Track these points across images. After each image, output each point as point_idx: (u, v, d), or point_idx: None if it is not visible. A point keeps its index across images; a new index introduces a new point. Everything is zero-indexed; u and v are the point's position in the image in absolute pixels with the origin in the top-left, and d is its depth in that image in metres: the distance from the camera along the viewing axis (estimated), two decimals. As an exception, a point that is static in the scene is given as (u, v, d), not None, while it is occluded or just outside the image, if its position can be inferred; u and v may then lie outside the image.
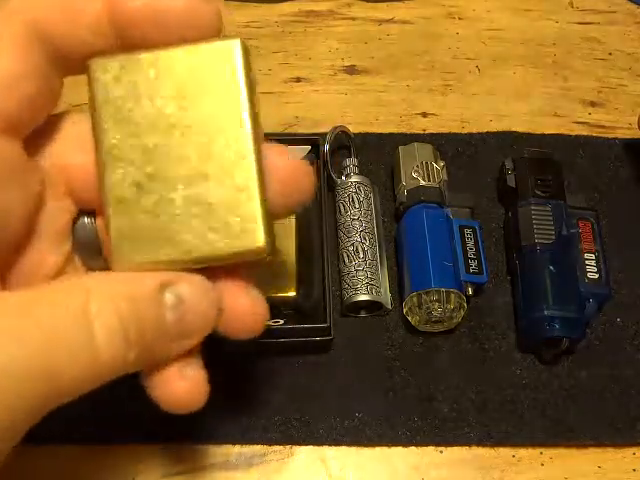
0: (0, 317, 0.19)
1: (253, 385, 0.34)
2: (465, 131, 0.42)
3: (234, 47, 0.22)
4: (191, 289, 0.22)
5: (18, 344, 0.19)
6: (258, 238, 0.21)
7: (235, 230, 0.22)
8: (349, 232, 0.36)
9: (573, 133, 0.42)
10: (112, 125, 0.22)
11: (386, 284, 0.36)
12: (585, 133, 0.42)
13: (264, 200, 0.22)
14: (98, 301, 0.20)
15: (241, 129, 0.22)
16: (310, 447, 0.33)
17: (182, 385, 0.23)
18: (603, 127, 0.43)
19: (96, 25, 0.21)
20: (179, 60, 0.22)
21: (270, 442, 0.33)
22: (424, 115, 0.43)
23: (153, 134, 0.22)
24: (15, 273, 0.23)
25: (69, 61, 0.22)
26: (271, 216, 0.22)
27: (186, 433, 0.33)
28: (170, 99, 0.22)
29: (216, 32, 0.22)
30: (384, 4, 0.47)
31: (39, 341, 0.19)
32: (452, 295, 0.34)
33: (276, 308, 0.34)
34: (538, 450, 0.34)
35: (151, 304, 0.21)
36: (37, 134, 0.22)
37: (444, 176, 0.38)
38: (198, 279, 0.22)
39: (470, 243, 0.36)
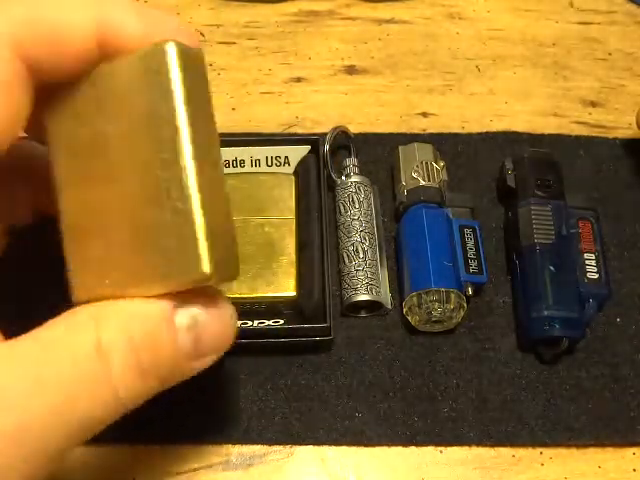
0: (16, 370, 0.19)
1: (253, 385, 0.34)
2: (465, 131, 0.42)
3: (168, 50, 0.20)
4: (205, 308, 0.21)
5: (40, 398, 0.18)
6: (201, 264, 0.20)
7: (176, 256, 0.20)
8: (349, 232, 0.36)
9: (573, 133, 0.42)
10: (65, 159, 0.21)
11: (386, 284, 0.36)
12: (585, 133, 0.42)
13: (208, 220, 0.20)
14: (108, 334, 0.20)
15: (177, 142, 0.20)
16: (310, 447, 0.33)
17: None
18: (603, 127, 0.43)
19: (84, 54, 0.21)
20: (117, 74, 0.21)
21: (270, 442, 0.33)
22: (424, 115, 0.43)
23: (95, 158, 0.21)
24: None
25: (47, 80, 0.21)
26: (222, 235, 0.20)
27: (186, 433, 0.33)
28: (109, 117, 0.21)
29: None
30: (384, 4, 0.47)
31: (59, 390, 0.19)
32: (452, 295, 0.34)
33: (276, 308, 0.35)
34: (538, 450, 0.34)
35: (164, 329, 0.20)
36: None
37: (444, 176, 0.38)
38: (212, 296, 0.22)
39: (470, 243, 0.36)
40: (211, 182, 0.20)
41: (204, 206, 0.20)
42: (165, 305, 0.21)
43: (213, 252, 0.20)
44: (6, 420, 0.18)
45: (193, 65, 0.21)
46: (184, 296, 0.21)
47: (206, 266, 0.19)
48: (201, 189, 0.20)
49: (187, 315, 0.21)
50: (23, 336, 0.20)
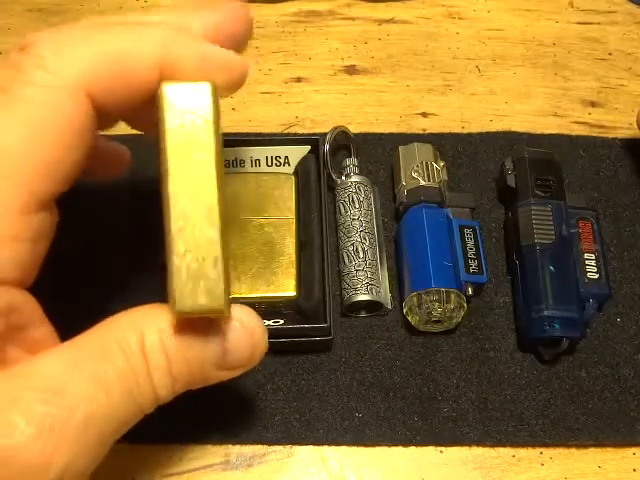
0: (79, 372, 0.21)
1: (253, 385, 0.34)
2: (465, 131, 0.42)
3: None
4: (234, 327, 0.23)
5: (105, 392, 0.21)
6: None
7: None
8: (349, 232, 0.36)
9: (573, 133, 0.42)
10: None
11: (386, 284, 0.36)
12: (585, 133, 0.42)
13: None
14: (151, 340, 0.21)
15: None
16: (310, 447, 0.33)
17: None
18: (603, 127, 0.43)
19: (147, 87, 0.22)
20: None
21: (270, 442, 0.33)
22: (424, 115, 0.43)
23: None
24: None
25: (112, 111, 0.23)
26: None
27: (186, 433, 0.33)
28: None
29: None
30: (384, 4, 0.47)
31: (119, 385, 0.21)
32: (452, 295, 0.34)
33: (276, 308, 0.35)
34: (538, 450, 0.34)
35: (196, 344, 0.22)
36: None
37: (444, 176, 0.38)
38: (244, 316, 0.23)
39: (470, 243, 0.36)
40: (196, 213, 0.21)
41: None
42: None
43: (184, 287, 0.21)
44: (75, 414, 0.20)
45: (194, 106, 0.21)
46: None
47: (176, 301, 0.21)
48: (180, 218, 0.21)
49: (217, 330, 0.23)
50: (81, 336, 0.22)
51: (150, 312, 0.22)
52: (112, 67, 0.21)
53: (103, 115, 0.23)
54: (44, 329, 0.23)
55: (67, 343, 0.22)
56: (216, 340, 0.23)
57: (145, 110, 0.23)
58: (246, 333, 0.23)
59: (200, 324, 0.22)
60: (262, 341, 0.24)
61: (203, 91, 0.21)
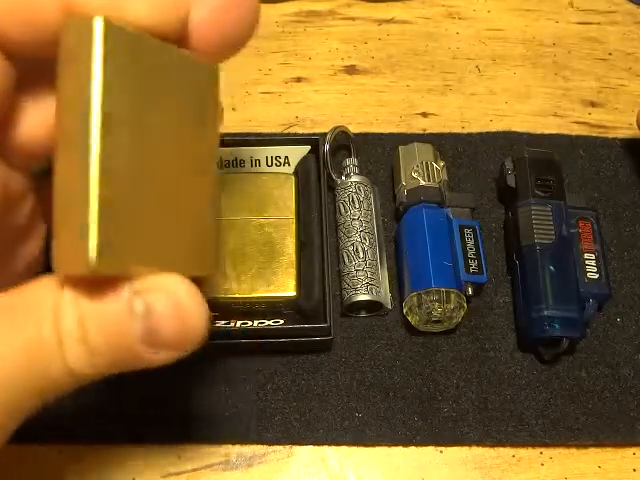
0: None
1: (253, 385, 0.34)
2: (465, 131, 0.42)
3: (93, 24, 0.18)
4: (163, 298, 0.20)
5: (7, 349, 0.19)
6: (88, 253, 0.18)
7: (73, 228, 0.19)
8: (349, 232, 0.36)
9: (573, 133, 0.42)
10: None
11: (386, 284, 0.36)
12: (585, 133, 0.42)
13: (104, 193, 0.18)
14: (65, 307, 0.20)
15: (88, 135, 0.19)
16: (310, 447, 0.33)
17: None
18: (603, 127, 0.43)
19: (52, 25, 0.20)
20: (62, 41, 0.20)
21: (270, 442, 0.33)
22: (424, 115, 0.43)
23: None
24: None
25: (24, 55, 0.21)
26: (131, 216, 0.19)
27: (186, 433, 0.33)
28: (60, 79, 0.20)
29: None
30: (384, 4, 0.47)
31: (16, 347, 0.19)
32: (452, 295, 0.34)
33: (276, 308, 0.35)
34: (538, 450, 0.34)
35: (118, 313, 0.20)
36: None
37: (444, 176, 0.38)
38: (176, 289, 0.20)
39: (470, 243, 0.36)
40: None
41: (101, 186, 0.18)
42: (122, 291, 0.20)
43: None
44: None
45: (129, 46, 0.19)
46: (142, 284, 0.20)
47: (91, 253, 0.18)
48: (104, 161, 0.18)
49: (142, 302, 0.20)
50: (6, 293, 0.20)
51: (71, 277, 0.20)
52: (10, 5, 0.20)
53: (21, 66, 0.21)
54: None
55: None
56: (141, 312, 0.20)
57: None
58: (172, 308, 0.20)
59: (120, 290, 0.20)
60: (198, 320, 0.21)
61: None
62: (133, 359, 0.21)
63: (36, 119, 0.23)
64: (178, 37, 0.21)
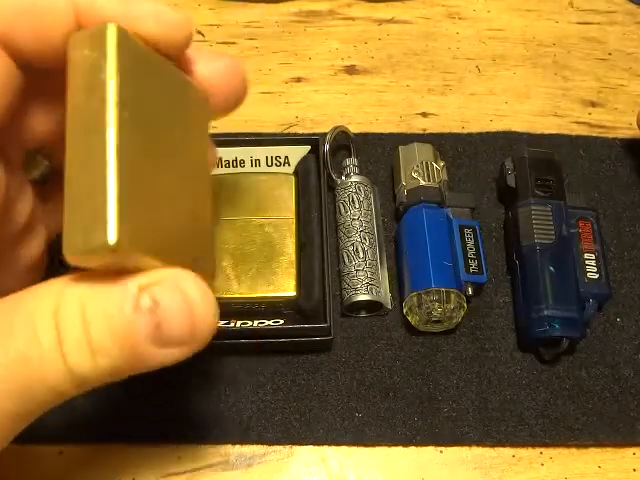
0: None
1: (253, 385, 0.34)
2: (465, 131, 0.42)
3: (107, 31, 0.20)
4: (171, 292, 0.20)
5: (2, 359, 0.19)
6: (107, 233, 0.18)
7: (89, 222, 0.19)
8: (349, 232, 0.36)
9: (573, 133, 0.42)
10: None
11: (386, 284, 0.36)
12: (585, 133, 0.42)
13: (125, 184, 0.19)
14: (66, 305, 0.19)
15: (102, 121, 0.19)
16: (310, 447, 0.33)
17: None
18: (603, 127, 0.43)
19: (64, 36, 0.21)
20: (73, 49, 0.21)
21: (270, 442, 0.33)
22: (424, 115, 0.43)
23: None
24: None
25: (35, 65, 0.21)
26: (148, 205, 0.19)
27: (186, 433, 0.33)
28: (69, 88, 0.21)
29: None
30: (384, 4, 0.47)
31: (15, 349, 0.19)
32: (452, 295, 0.34)
33: (276, 308, 0.35)
34: (538, 450, 0.34)
35: (124, 306, 0.19)
36: None
37: (444, 176, 0.38)
38: (183, 282, 0.20)
39: (470, 243, 0.36)
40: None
41: (119, 175, 0.19)
42: (125, 284, 0.20)
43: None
44: None
45: (137, 50, 0.20)
46: (149, 280, 0.20)
47: (113, 235, 0.18)
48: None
49: (148, 298, 0.19)
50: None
51: (74, 278, 0.20)
52: (22, 12, 0.20)
53: (31, 75, 0.21)
54: None
55: None
56: (148, 307, 0.19)
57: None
58: (181, 302, 0.20)
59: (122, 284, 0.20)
60: (206, 315, 0.20)
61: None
62: (139, 359, 0.20)
63: (40, 122, 0.23)
64: (177, 54, 0.22)
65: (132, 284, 0.19)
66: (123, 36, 0.20)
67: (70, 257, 0.19)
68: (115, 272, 0.20)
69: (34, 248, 0.25)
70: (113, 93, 0.19)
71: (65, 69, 0.20)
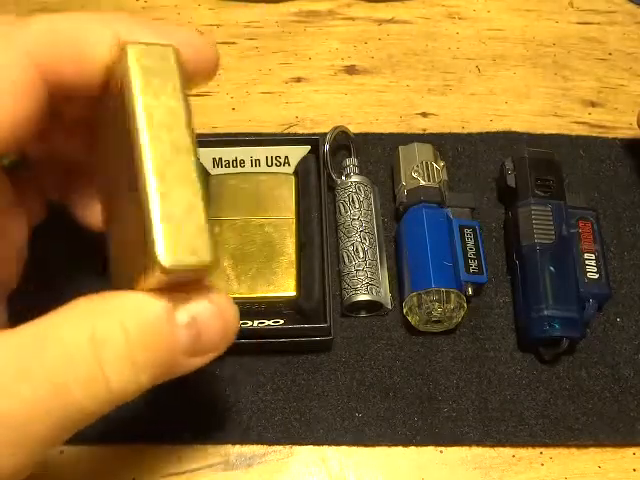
0: (5, 359, 0.19)
1: (253, 385, 0.34)
2: (465, 131, 0.42)
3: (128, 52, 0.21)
4: (205, 306, 0.21)
5: (28, 386, 0.19)
6: (157, 253, 0.20)
7: (141, 247, 0.20)
8: (349, 232, 0.36)
9: (573, 133, 0.42)
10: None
11: (386, 284, 0.36)
12: (585, 133, 0.42)
13: (164, 208, 0.20)
14: (105, 329, 0.20)
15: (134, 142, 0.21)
16: (310, 447, 0.33)
17: None
18: (603, 127, 0.43)
19: (102, 68, 0.22)
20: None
21: (270, 442, 0.33)
22: (424, 115, 0.43)
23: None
24: None
25: (74, 92, 0.22)
26: (187, 224, 0.20)
27: (186, 433, 0.33)
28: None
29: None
30: (384, 4, 0.47)
31: (48, 380, 0.19)
32: (452, 295, 0.34)
33: (276, 308, 0.35)
34: (538, 450, 0.34)
35: (162, 326, 0.20)
36: None
37: (444, 176, 0.38)
38: (214, 295, 0.21)
39: (470, 243, 0.36)
40: (173, 170, 0.20)
41: (159, 194, 0.20)
42: (164, 302, 0.21)
43: (171, 240, 0.20)
44: None
45: (160, 63, 0.21)
46: (185, 295, 0.21)
47: (163, 255, 0.19)
48: (157, 177, 0.20)
49: (186, 313, 0.21)
50: (22, 325, 0.20)
51: (103, 298, 0.21)
52: (63, 44, 0.21)
53: (59, 98, 0.22)
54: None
55: (8, 331, 0.20)
56: (186, 322, 0.21)
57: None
58: (217, 312, 0.21)
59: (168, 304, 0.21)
60: (234, 321, 0.22)
61: (166, 51, 0.21)
62: (176, 370, 0.21)
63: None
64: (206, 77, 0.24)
65: (166, 300, 0.20)
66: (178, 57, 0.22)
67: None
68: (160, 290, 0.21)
69: (17, 236, 0.26)
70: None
71: (111, 87, 0.21)
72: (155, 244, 0.19)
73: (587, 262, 0.36)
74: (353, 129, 0.40)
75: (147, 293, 0.21)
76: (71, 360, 0.19)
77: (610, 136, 0.42)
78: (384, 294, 0.36)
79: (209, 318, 0.21)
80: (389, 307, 0.36)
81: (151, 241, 0.19)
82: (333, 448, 0.33)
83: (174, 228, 0.20)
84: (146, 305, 0.20)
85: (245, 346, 0.34)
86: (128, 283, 0.21)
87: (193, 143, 0.21)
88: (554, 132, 0.42)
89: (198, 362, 0.22)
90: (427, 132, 0.42)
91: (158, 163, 0.20)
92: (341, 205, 0.37)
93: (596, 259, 0.36)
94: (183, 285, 0.21)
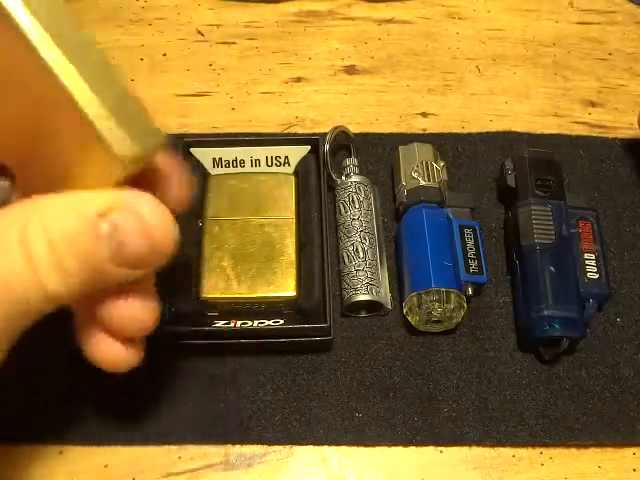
0: None
1: (253, 385, 0.34)
2: (465, 131, 0.42)
3: None
4: (127, 218, 0.21)
5: None
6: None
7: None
8: (349, 232, 0.36)
9: (573, 133, 0.42)
10: None
11: (386, 284, 0.36)
12: (585, 133, 0.42)
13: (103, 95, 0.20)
14: (31, 233, 0.21)
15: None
16: (310, 447, 0.33)
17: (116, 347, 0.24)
18: (603, 127, 0.43)
19: None
20: None
21: (270, 442, 0.33)
22: (424, 115, 0.43)
23: None
24: None
25: None
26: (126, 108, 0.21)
27: (186, 433, 0.33)
28: None
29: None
30: (384, 4, 0.47)
31: None
32: (452, 295, 0.34)
33: (276, 308, 0.35)
34: (538, 450, 0.34)
35: (86, 233, 0.21)
36: None
37: (444, 176, 0.38)
38: (143, 207, 0.22)
39: (470, 243, 0.36)
40: (91, 68, 0.20)
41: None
42: (93, 208, 0.21)
43: (127, 131, 0.20)
44: None
45: None
46: (115, 201, 0.21)
47: (128, 145, 0.20)
48: (86, 81, 0.20)
49: (108, 223, 0.21)
50: None
51: (38, 202, 0.21)
52: None
53: None
54: None
55: None
56: (108, 232, 0.21)
57: None
58: (139, 227, 0.21)
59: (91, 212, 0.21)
60: (164, 238, 0.22)
61: None
62: (105, 277, 0.22)
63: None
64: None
65: (90, 209, 0.21)
66: None
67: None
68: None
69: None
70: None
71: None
72: (116, 140, 0.20)
73: (587, 262, 0.36)
74: (353, 129, 0.40)
75: (77, 198, 0.21)
76: (8, 259, 0.20)
77: (610, 136, 0.42)
78: (384, 294, 0.36)
79: (131, 232, 0.21)
80: (389, 307, 0.36)
81: (111, 140, 0.20)
82: (333, 448, 0.33)
83: (122, 119, 0.20)
84: (68, 213, 0.21)
85: (245, 346, 0.34)
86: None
87: (86, 32, 0.20)
88: (554, 132, 0.42)
89: (129, 273, 0.22)
90: (427, 132, 0.42)
91: (76, 67, 0.20)
92: (341, 205, 0.37)
93: (596, 259, 0.36)
94: (138, 182, 0.22)
